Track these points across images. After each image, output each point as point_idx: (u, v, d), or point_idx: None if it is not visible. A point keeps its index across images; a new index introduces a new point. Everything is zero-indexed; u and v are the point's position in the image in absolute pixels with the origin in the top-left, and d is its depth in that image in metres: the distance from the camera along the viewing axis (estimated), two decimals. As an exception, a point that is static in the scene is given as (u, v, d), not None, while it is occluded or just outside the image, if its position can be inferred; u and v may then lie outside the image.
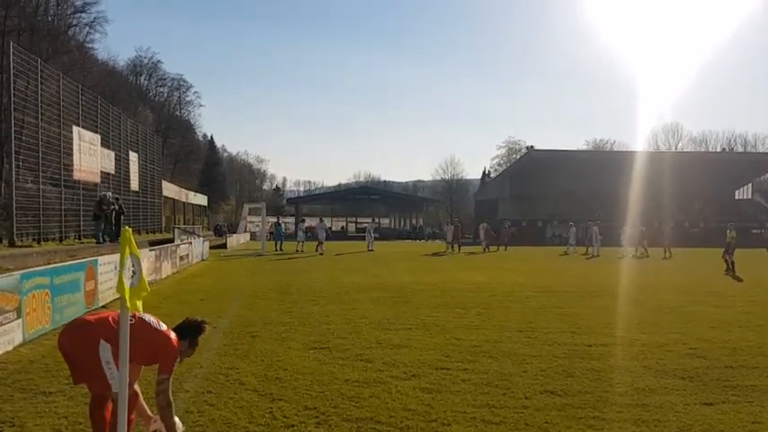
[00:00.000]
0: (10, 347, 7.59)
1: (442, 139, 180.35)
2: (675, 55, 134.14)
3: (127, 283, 3.72)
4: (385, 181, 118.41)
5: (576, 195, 55.23)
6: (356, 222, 70.85)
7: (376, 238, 38.11)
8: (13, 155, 19.09)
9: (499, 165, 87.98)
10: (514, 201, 58.58)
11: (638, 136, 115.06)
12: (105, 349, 3.97)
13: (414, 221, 74.19)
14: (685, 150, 79.46)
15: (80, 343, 4.05)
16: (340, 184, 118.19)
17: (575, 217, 43.66)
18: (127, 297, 3.77)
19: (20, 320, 7.95)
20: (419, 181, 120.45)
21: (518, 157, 75.38)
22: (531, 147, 60.61)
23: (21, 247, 18.07)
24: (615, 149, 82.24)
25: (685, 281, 18.12)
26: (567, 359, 7.46)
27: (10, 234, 18.64)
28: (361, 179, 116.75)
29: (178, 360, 4.27)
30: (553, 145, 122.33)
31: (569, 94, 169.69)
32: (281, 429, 4.94)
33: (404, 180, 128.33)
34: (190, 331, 4.39)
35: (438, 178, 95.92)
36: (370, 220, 51.86)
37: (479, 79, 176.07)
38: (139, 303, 3.77)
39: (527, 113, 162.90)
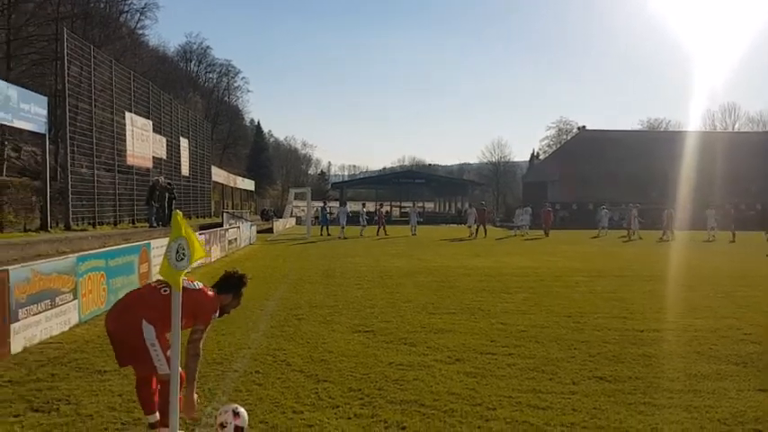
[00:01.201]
0: (66, 327, 7.88)
1: (489, 121, 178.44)
2: (731, 31, 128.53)
3: (174, 265, 3.79)
4: (430, 164, 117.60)
5: (630, 176, 53.48)
6: (400, 207, 70.77)
7: (420, 223, 37.68)
8: (68, 140, 19.71)
9: (548, 146, 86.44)
10: (565, 183, 57.03)
11: (694, 116, 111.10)
12: (149, 331, 4.04)
13: (459, 205, 73.58)
14: (742, 131, 76.51)
15: (124, 328, 4.12)
16: (384, 169, 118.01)
17: (628, 199, 42.51)
18: (170, 279, 3.85)
19: (76, 301, 8.24)
20: (465, 164, 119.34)
21: (569, 137, 73.82)
22: (583, 127, 59.04)
23: (76, 230, 18.69)
24: (670, 129, 79.80)
25: (739, 265, 17.48)
26: (618, 345, 7.29)
27: (66, 218, 19.30)
28: (406, 163, 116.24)
29: (216, 314, 4.35)
30: (605, 126, 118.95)
31: (622, 72, 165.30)
32: (327, 410, 4.98)
33: (450, 163, 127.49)
34: (231, 285, 4.52)
35: (485, 161, 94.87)
36: (411, 204, 51.40)
37: (527, 59, 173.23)
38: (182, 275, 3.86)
39: (578, 93, 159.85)
